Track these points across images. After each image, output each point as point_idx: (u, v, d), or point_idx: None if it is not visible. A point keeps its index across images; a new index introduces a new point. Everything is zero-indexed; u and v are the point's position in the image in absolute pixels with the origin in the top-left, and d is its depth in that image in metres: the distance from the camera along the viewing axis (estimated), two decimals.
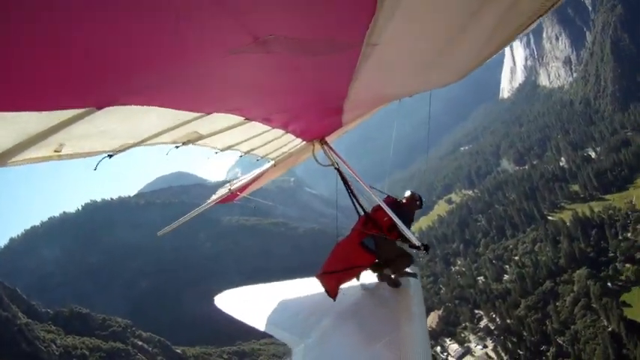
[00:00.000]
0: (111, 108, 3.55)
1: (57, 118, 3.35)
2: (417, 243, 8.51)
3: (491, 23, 3.98)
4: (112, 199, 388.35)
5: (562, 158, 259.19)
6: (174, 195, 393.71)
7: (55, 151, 3.97)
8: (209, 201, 12.51)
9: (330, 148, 10.24)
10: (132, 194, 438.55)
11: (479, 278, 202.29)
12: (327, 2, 3.12)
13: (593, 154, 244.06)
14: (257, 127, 7.09)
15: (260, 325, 11.09)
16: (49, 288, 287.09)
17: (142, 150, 4.43)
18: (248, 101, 5.82)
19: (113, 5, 2.23)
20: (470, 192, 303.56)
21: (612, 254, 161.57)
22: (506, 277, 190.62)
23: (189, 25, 2.78)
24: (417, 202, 10.53)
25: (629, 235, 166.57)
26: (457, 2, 3.67)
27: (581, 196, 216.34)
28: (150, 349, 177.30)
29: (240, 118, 6.13)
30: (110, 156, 4.66)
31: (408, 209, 10.28)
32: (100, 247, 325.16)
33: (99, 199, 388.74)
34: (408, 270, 10.24)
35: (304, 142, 10.37)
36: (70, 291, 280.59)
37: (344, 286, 9.92)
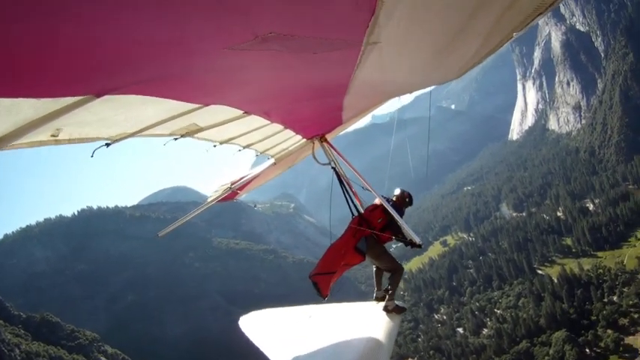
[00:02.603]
0: (109, 97, 3.67)
1: (56, 104, 3.42)
2: (418, 240, 9.68)
3: (490, 21, 4.06)
4: (107, 207, 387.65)
5: (560, 208, 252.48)
6: (170, 211, 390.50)
7: (52, 136, 4.09)
8: (210, 199, 12.21)
9: (331, 146, 10.62)
10: (129, 204, 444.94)
11: (458, 329, 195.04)
12: (328, 1, 3.25)
13: (591, 206, 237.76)
14: (256, 120, 7.35)
15: (272, 356, 10.45)
16: (37, 288, 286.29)
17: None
18: (247, 95, 6.07)
19: None
20: (465, 235, 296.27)
21: (595, 317, 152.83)
22: (485, 330, 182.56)
23: (190, 19, 2.86)
24: (407, 200, 10.80)
25: (615, 298, 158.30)
26: (456, 1, 3.76)
27: (573, 250, 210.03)
28: None
29: (239, 111, 6.37)
30: (108, 145, 4.77)
31: (399, 207, 10.50)
32: (91, 254, 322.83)
33: (95, 206, 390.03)
34: (397, 303, 10.41)
35: (304, 140, 10.55)
36: (57, 294, 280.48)
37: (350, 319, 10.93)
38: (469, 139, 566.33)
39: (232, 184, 11.32)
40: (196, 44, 3.40)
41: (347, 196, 10.83)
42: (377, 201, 10.55)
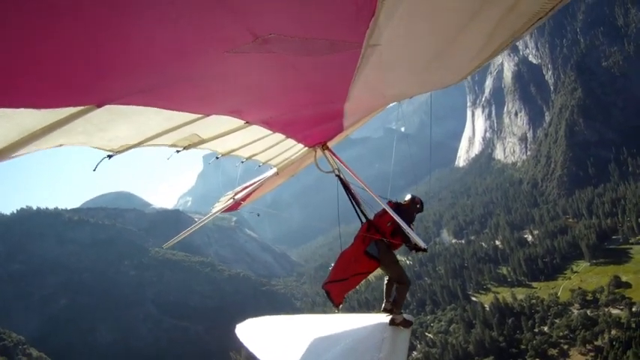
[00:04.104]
0: (111, 107, 3.68)
1: (57, 115, 3.41)
2: (423, 245, 9.51)
3: (491, 24, 4.16)
4: (47, 208, 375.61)
5: (499, 237, 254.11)
6: (109, 217, 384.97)
7: (54, 146, 4.03)
8: (214, 210, 12.73)
9: (333, 153, 10.59)
10: (71, 206, 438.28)
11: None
12: (328, 2, 3.24)
13: (529, 237, 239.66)
14: (258, 131, 7.29)
15: None
16: None
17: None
18: (248, 103, 6.00)
19: (113, 4, 2.30)
20: (403, 258, 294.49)
21: (524, 347, 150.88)
22: (414, 353, 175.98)
23: (189, 25, 2.88)
24: (417, 206, 10.75)
25: (545, 329, 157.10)
26: (457, 3, 3.82)
27: (509, 280, 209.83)
28: None
29: (241, 122, 6.33)
30: (110, 156, 4.78)
31: (409, 212, 10.47)
32: (25, 255, 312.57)
33: (35, 207, 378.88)
34: (405, 316, 10.33)
35: (306, 148, 10.53)
36: None
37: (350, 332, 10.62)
38: (416, 162, 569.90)
39: (235, 195, 11.70)
40: (196, 48, 3.39)
41: (353, 203, 10.74)
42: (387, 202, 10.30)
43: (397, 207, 10.17)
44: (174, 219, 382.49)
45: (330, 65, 4.83)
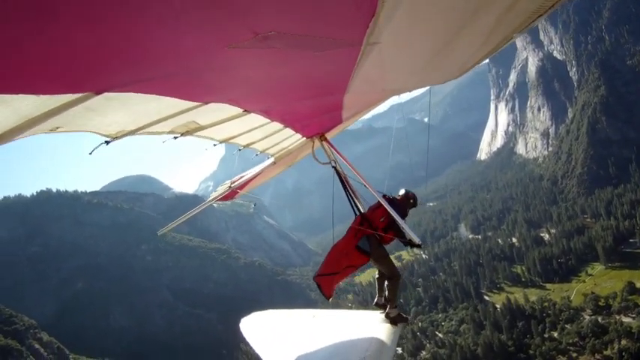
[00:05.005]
0: (109, 94, 3.73)
1: (55, 101, 3.46)
2: (417, 240, 9.54)
3: (490, 22, 4.21)
4: (66, 191, 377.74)
5: (515, 235, 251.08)
6: (127, 201, 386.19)
7: (51, 130, 4.08)
8: (210, 198, 12.95)
9: (330, 145, 10.68)
10: (91, 189, 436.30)
11: (397, 349, 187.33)
12: (328, 1, 3.33)
13: (546, 236, 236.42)
14: (256, 119, 7.37)
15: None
16: None
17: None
18: (247, 92, 6.14)
19: (115, 0, 2.36)
20: (420, 252, 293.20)
21: (532, 352, 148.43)
22: (423, 353, 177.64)
23: (190, 23, 2.95)
24: (411, 201, 10.83)
25: (555, 334, 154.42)
26: (457, 2, 3.86)
27: (523, 279, 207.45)
28: (45, 354, 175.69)
29: (239, 110, 6.38)
30: (107, 142, 4.85)
31: (402, 207, 10.46)
32: (44, 237, 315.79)
33: (54, 189, 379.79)
34: (402, 314, 10.33)
35: (304, 138, 10.56)
36: (7, 274, 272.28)
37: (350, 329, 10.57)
38: (438, 154, 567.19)
39: (232, 184, 11.53)
40: (196, 43, 3.45)
41: (348, 196, 10.90)
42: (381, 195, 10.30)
43: (391, 201, 10.18)
44: (192, 204, 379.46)
45: (330, 60, 4.93)
